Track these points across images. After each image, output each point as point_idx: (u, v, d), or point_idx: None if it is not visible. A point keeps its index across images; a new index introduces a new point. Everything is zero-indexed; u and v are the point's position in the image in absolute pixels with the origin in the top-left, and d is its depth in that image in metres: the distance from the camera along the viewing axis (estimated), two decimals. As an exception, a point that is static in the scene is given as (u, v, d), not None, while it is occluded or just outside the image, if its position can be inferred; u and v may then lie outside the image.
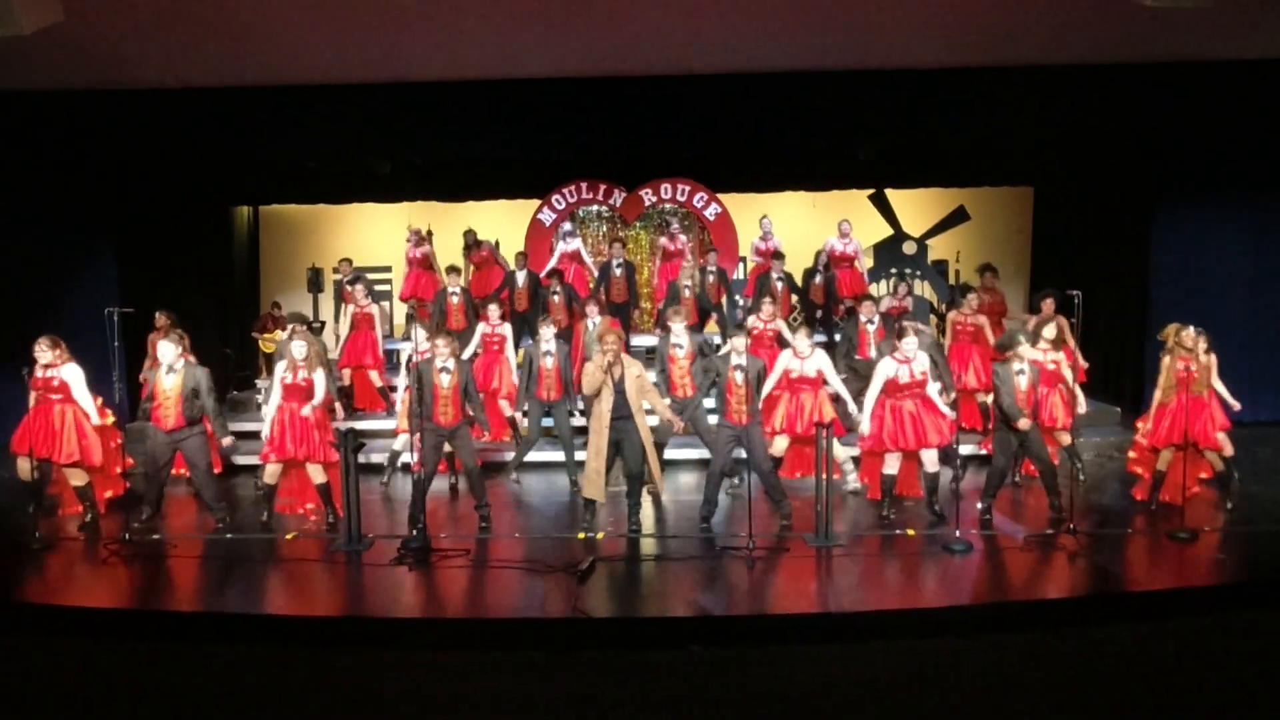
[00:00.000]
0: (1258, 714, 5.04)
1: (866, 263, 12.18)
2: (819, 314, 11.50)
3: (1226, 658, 5.71)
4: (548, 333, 8.96)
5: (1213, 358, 7.92)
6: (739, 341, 7.67)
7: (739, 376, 7.45)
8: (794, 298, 11.54)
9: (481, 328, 9.58)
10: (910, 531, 7.52)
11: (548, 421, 9.19)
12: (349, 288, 11.14)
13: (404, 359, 9.08)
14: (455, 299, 10.64)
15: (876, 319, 9.61)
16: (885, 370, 7.73)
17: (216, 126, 11.10)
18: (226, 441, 8.20)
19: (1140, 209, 11.18)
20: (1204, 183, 10.99)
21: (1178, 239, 11.01)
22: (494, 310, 9.69)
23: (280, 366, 8.05)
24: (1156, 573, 6.88)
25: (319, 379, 7.96)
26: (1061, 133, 11.27)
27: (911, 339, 7.69)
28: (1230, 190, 10.97)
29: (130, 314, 8.72)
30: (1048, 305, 9.64)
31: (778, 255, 11.26)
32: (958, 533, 7.21)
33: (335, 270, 12.37)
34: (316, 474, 7.94)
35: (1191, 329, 7.84)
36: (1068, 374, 8.36)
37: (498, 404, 9.66)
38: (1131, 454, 8.41)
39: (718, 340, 10.38)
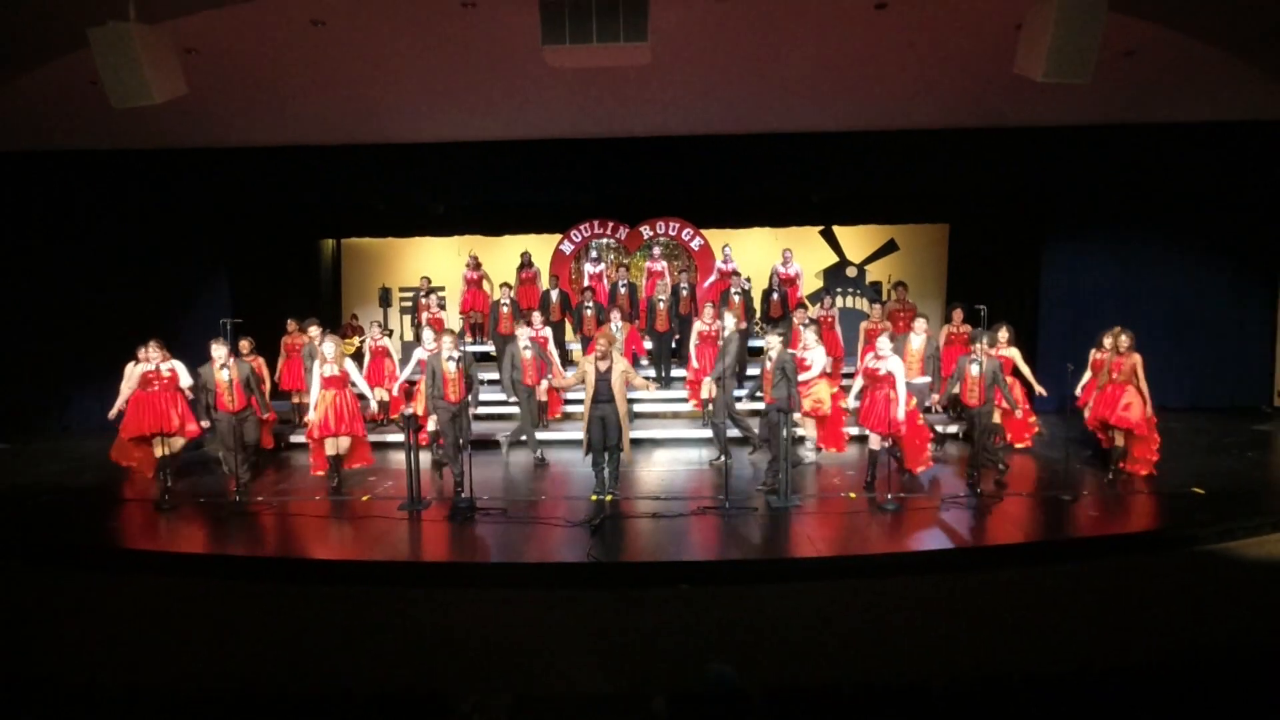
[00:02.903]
0: (1123, 638, 5.05)
1: (804, 281, 12.17)
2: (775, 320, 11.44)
3: (1096, 594, 5.71)
4: (524, 335, 9.04)
5: (1138, 356, 7.72)
6: (775, 338, 7.71)
7: (769, 366, 7.60)
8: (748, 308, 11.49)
9: (529, 331, 9.58)
10: (852, 495, 7.52)
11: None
12: (424, 299, 11.17)
13: (413, 358, 9.07)
14: (505, 309, 10.65)
15: (809, 321, 9.60)
16: (866, 362, 7.75)
17: (308, 177, 11.12)
18: (268, 416, 8.30)
19: (1033, 241, 11.18)
20: (1083, 222, 11.01)
21: (1062, 266, 11.03)
22: (537, 317, 9.68)
23: (317, 364, 7.98)
24: (1041, 527, 6.86)
25: (350, 369, 7.94)
26: (971, 181, 11.27)
27: (884, 342, 7.61)
28: (1103, 228, 10.99)
29: (240, 323, 8.73)
30: (958, 315, 9.64)
31: (736, 274, 11.24)
32: (889, 495, 7.22)
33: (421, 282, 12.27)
34: (343, 443, 7.93)
35: (1126, 334, 7.73)
36: (1024, 368, 8.44)
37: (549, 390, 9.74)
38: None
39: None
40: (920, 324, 8.74)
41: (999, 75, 7.98)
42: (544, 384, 9.60)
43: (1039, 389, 8.71)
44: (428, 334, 8.95)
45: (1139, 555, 6.30)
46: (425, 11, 7.65)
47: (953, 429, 9.37)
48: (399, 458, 8.59)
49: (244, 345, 8.86)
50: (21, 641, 4.88)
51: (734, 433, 9.01)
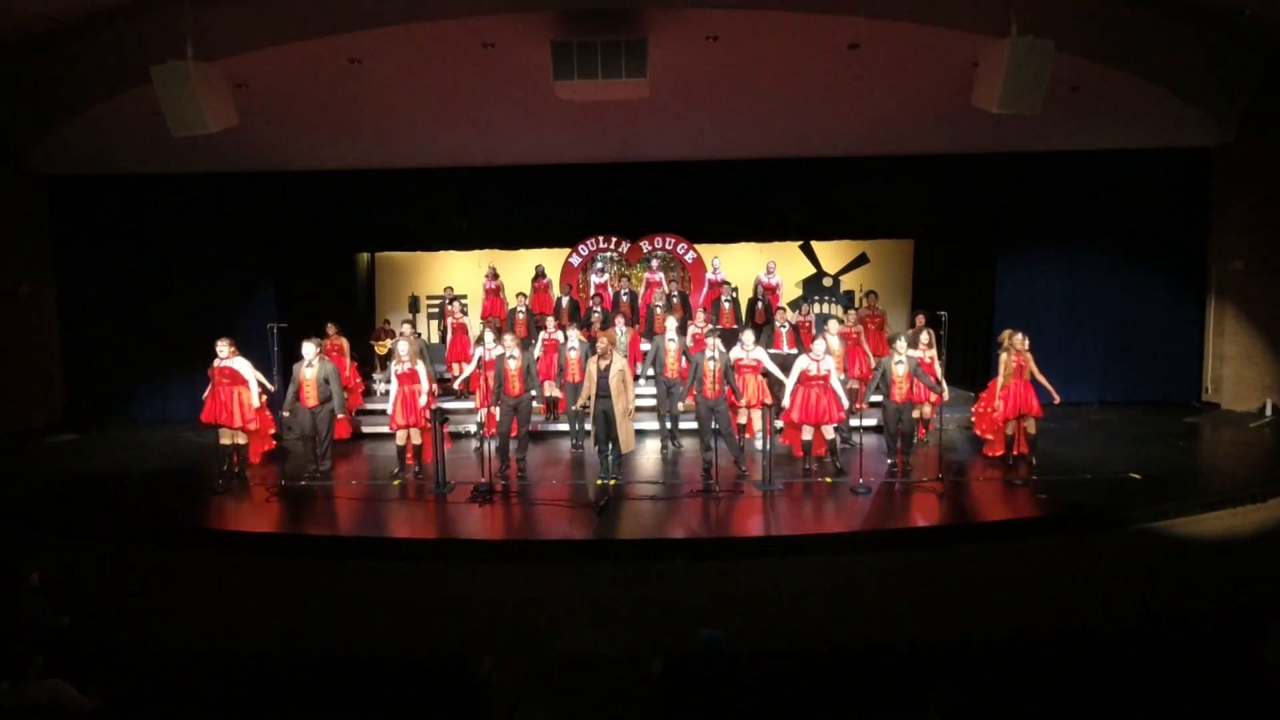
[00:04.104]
0: (1069, 607, 5.06)
1: (785, 290, 12.16)
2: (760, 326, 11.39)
3: (1045, 568, 5.72)
4: (573, 336, 8.91)
5: (1029, 355, 7.65)
6: (715, 340, 7.54)
7: (711, 365, 7.39)
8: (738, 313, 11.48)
9: (543, 335, 9.54)
10: (827, 479, 7.51)
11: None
12: (449, 305, 11.15)
13: (475, 357, 9.03)
14: (521, 315, 10.62)
15: (788, 325, 9.56)
16: (800, 365, 7.58)
17: (345, 197, 11.12)
18: (341, 416, 8.08)
19: (988, 255, 11.14)
20: (1032, 238, 10.97)
21: (1013, 277, 10.98)
22: (551, 322, 9.66)
23: (393, 362, 7.98)
24: (996, 509, 6.88)
25: (420, 368, 7.92)
26: (934, 201, 11.28)
27: (820, 343, 7.57)
28: (1050, 244, 10.95)
29: (285, 328, 8.72)
30: (920, 320, 9.62)
31: (725, 283, 11.25)
32: (860, 480, 7.22)
33: (445, 292, 12.26)
34: (414, 436, 7.89)
35: (1020, 334, 7.68)
36: (937, 368, 8.33)
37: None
38: (979, 424, 8.15)
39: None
40: (833, 324, 8.70)
41: (958, 107, 8.01)
42: (548, 385, 9.52)
43: (945, 393, 8.66)
44: (489, 335, 8.81)
45: (1083, 534, 6.31)
46: (450, 51, 7.69)
47: (870, 421, 9.28)
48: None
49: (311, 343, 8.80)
50: (94, 610, 4.90)
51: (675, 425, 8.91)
